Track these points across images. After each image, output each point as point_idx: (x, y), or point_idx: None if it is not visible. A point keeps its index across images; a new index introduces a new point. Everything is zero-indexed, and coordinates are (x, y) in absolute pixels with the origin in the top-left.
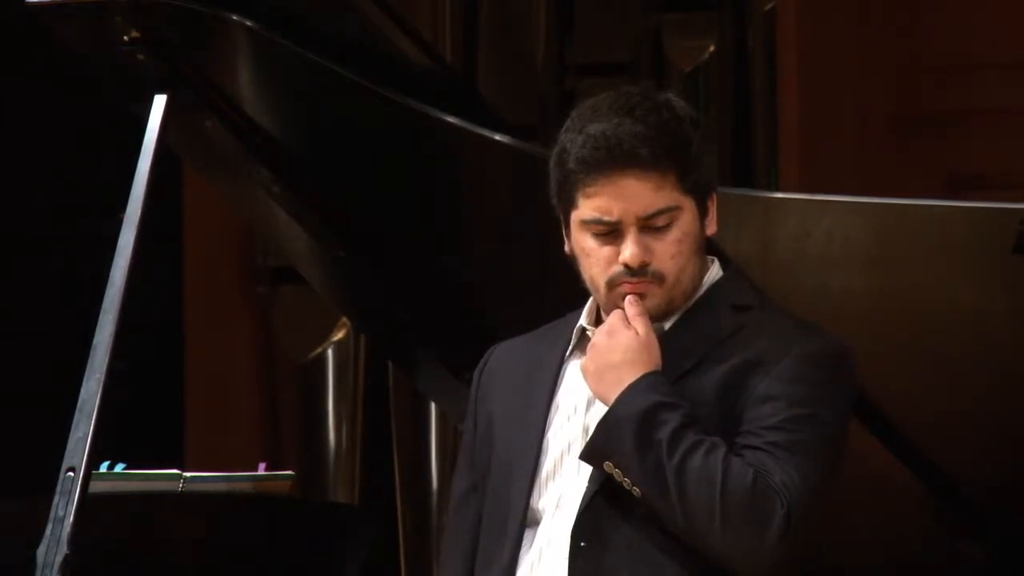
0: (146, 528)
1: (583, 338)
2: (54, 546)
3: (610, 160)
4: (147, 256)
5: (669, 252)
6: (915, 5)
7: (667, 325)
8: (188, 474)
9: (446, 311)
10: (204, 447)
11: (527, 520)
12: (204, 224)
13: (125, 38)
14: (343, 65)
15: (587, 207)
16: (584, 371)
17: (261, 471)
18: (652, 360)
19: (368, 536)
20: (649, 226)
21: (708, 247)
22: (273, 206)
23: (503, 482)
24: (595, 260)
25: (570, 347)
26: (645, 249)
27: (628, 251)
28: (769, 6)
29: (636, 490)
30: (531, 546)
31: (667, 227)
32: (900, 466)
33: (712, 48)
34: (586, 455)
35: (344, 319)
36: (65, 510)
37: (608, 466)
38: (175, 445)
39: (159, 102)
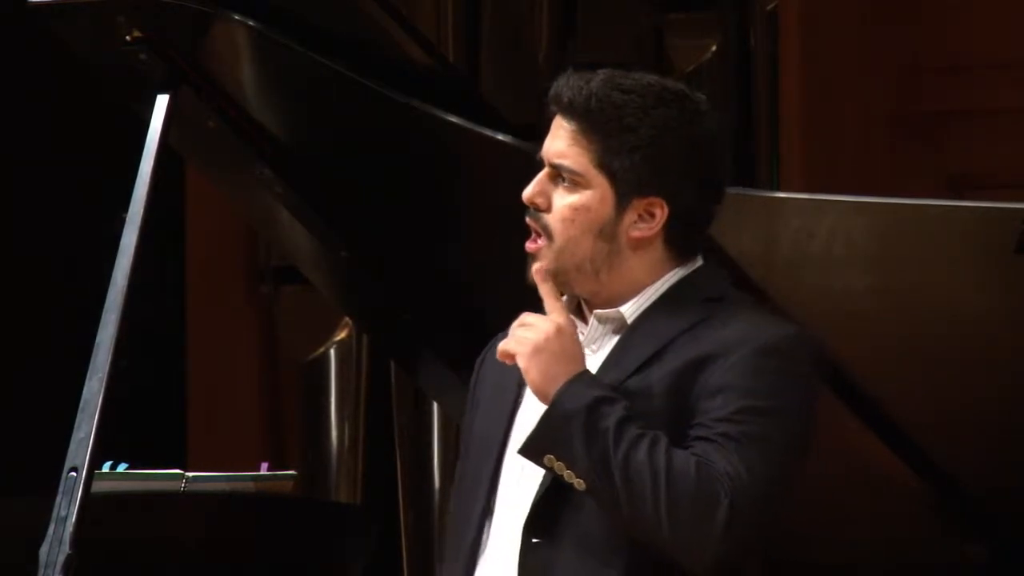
0: (148, 528)
1: None
2: (56, 546)
3: (556, 99)
4: (149, 256)
5: (562, 213)
6: (916, 5)
7: (631, 317)
8: (190, 474)
9: (448, 310)
10: (206, 447)
11: (488, 510)
12: (206, 224)
13: (127, 38)
14: (345, 65)
15: None
16: (528, 364)
17: (263, 471)
18: (581, 354)
19: (370, 535)
20: (558, 177)
21: (700, 242)
22: (275, 206)
23: (473, 471)
24: None
25: None
26: (544, 195)
27: (528, 188)
28: (771, 6)
29: (580, 482)
30: (488, 538)
31: (572, 188)
32: (901, 465)
33: (714, 48)
34: (526, 450)
35: (346, 319)
36: (67, 510)
37: (549, 459)
38: (177, 445)
39: (161, 102)
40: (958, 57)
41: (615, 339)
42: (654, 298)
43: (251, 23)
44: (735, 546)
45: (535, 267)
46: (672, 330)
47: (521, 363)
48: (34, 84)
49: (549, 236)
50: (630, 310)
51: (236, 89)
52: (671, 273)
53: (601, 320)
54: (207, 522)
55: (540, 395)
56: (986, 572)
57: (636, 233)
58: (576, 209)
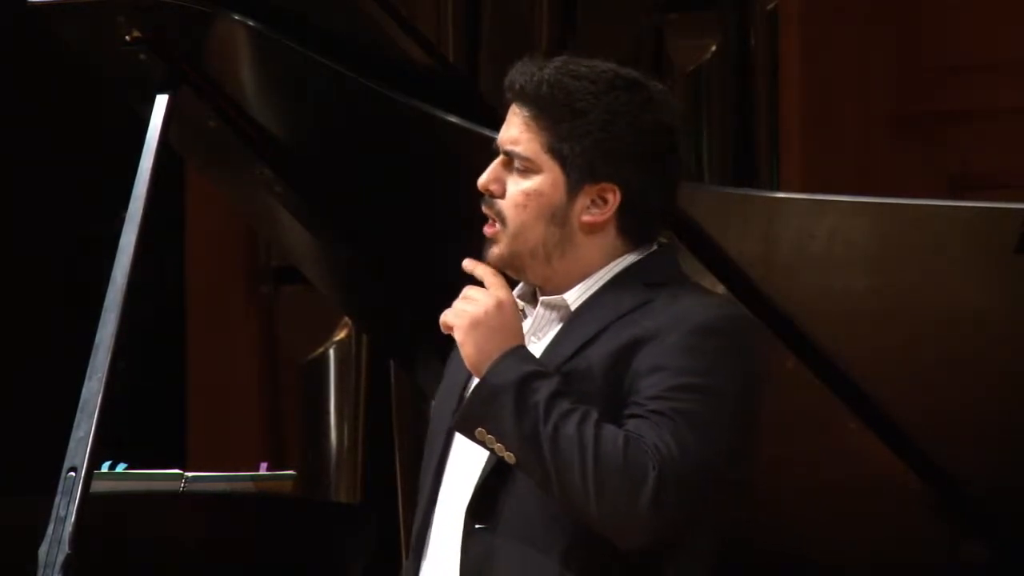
0: (147, 528)
1: (521, 313)
2: (55, 546)
3: (509, 87)
4: (149, 255)
5: (515, 199)
6: (916, 5)
7: (575, 304)
8: (190, 474)
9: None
10: (205, 447)
11: (435, 497)
12: (206, 224)
13: (127, 38)
14: (345, 65)
15: None
16: (464, 337)
17: (263, 471)
18: (519, 328)
19: (369, 535)
20: (511, 164)
21: (655, 229)
22: (275, 206)
23: (427, 457)
24: None
25: None
26: (498, 181)
27: (482, 176)
28: (771, 6)
29: (510, 456)
30: (432, 522)
31: (524, 173)
32: (901, 465)
33: (714, 48)
34: (459, 424)
35: (346, 319)
36: (67, 510)
37: (480, 433)
38: (177, 445)
39: (161, 102)
40: (958, 57)
41: (560, 326)
42: (599, 284)
43: (251, 23)
44: (664, 522)
45: (466, 263)
46: (612, 314)
47: (458, 336)
48: (34, 84)
49: (503, 222)
50: (574, 296)
51: (236, 89)
52: (620, 259)
53: (547, 307)
54: (207, 522)
55: (474, 369)
56: (986, 572)
57: (588, 218)
58: (528, 194)
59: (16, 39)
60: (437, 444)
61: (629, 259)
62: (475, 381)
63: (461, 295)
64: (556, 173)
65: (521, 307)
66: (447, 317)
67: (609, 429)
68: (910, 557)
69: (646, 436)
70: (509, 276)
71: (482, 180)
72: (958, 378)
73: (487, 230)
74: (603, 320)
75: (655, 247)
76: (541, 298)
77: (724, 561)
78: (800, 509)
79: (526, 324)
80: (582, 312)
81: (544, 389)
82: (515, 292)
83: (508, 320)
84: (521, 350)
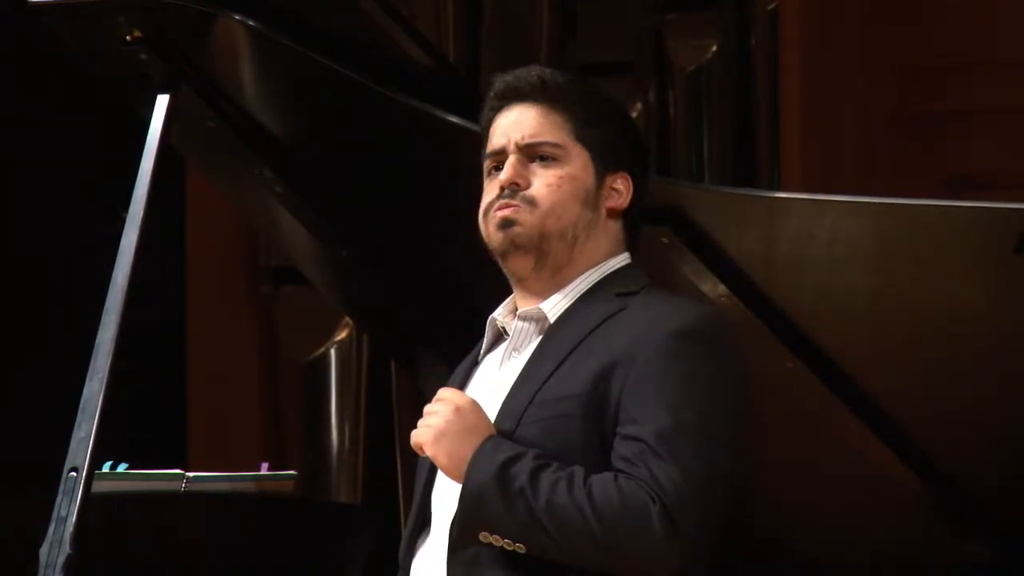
0: (148, 528)
1: (503, 331)
2: (56, 546)
3: (510, 92)
4: (149, 256)
5: (548, 181)
6: (916, 5)
7: (553, 315)
8: (191, 474)
9: (448, 310)
10: (206, 447)
11: (427, 510)
12: (206, 224)
13: (127, 38)
14: (345, 64)
15: (488, 145)
16: (434, 451)
17: (263, 471)
18: (484, 424)
19: (370, 536)
20: (533, 156)
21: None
22: (275, 206)
23: (416, 480)
24: (483, 198)
25: (484, 343)
26: (521, 174)
27: (503, 173)
28: (771, 6)
29: (519, 547)
30: (423, 538)
31: (551, 162)
32: (901, 465)
33: (714, 48)
34: (457, 536)
35: (346, 319)
36: (68, 510)
37: (484, 536)
38: (178, 445)
39: (161, 102)
40: (958, 57)
41: (540, 339)
42: (575, 296)
43: (251, 23)
44: (691, 544)
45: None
46: (587, 326)
47: (428, 452)
48: (34, 84)
49: (533, 203)
50: (550, 305)
51: (236, 89)
52: (593, 269)
53: (525, 319)
54: (207, 522)
55: (454, 478)
56: (986, 572)
57: (613, 203)
58: (562, 177)
59: (16, 39)
60: (423, 470)
61: (605, 268)
62: (469, 391)
63: (425, 411)
64: (585, 158)
65: (501, 325)
66: (415, 438)
67: (598, 481)
68: (910, 557)
69: (641, 467)
70: (511, 272)
71: (506, 176)
72: (958, 378)
73: (503, 212)
74: (579, 333)
75: (627, 257)
76: (519, 311)
77: (725, 560)
78: (800, 509)
79: (504, 344)
80: (559, 325)
81: (523, 472)
82: (496, 311)
83: (470, 422)
84: (490, 442)
